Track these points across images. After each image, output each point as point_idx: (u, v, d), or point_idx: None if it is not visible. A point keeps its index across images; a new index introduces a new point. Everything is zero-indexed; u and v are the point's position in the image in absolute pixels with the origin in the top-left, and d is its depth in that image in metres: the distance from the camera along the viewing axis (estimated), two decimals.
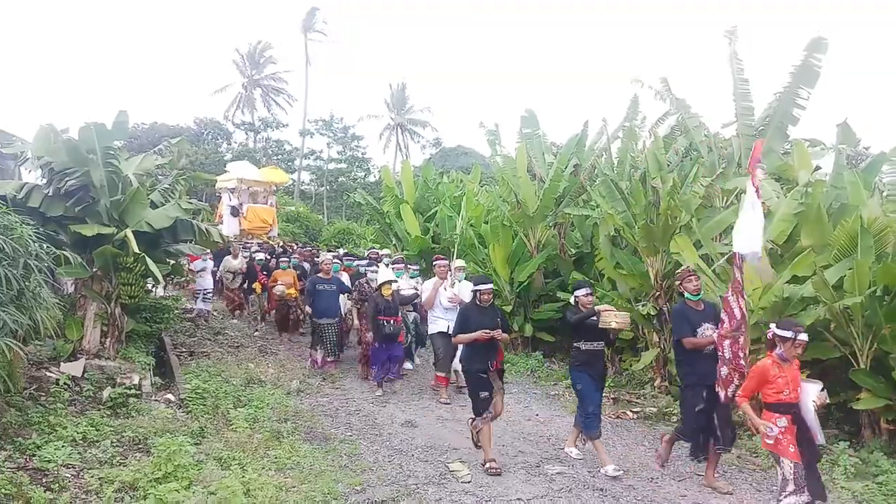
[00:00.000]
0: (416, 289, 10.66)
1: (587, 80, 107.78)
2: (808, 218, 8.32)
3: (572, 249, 13.49)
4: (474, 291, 6.75)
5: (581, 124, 14.74)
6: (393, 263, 11.48)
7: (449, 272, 9.58)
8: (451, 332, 8.08)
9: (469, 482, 6.04)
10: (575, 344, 6.74)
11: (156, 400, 7.81)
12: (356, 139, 49.29)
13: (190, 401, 7.62)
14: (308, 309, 11.00)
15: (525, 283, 12.86)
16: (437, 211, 16.59)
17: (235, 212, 21.33)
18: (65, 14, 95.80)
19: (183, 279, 14.26)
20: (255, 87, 52.43)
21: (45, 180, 8.59)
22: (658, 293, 10.03)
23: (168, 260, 10.04)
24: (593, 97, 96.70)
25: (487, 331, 6.37)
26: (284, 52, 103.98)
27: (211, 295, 14.96)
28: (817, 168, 10.18)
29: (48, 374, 7.41)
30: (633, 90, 12.78)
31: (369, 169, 48.32)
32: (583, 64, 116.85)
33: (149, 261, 8.18)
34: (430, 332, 9.58)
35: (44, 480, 5.10)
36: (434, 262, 9.93)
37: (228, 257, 15.48)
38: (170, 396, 8.07)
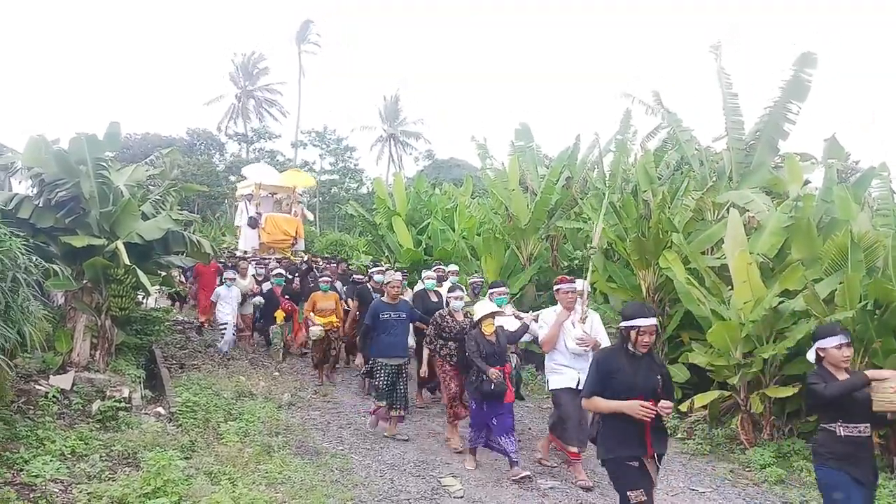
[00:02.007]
0: (519, 319, 7.61)
1: (582, 83, 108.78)
2: (798, 232, 8.36)
3: (565, 262, 13.52)
4: (626, 329, 4.25)
5: (573, 134, 14.87)
6: (491, 287, 8.49)
7: (580, 299, 6.57)
8: (581, 388, 5.22)
9: (461, 497, 6.00)
10: (823, 425, 4.32)
11: (146, 413, 7.75)
12: (349, 150, 49.39)
13: (180, 414, 7.56)
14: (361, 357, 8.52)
15: (517, 295, 12.87)
16: (429, 223, 16.61)
17: (254, 222, 18.79)
18: (57, 24, 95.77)
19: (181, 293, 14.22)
20: (249, 97, 52.54)
21: (35, 191, 8.54)
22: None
23: (159, 272, 9.99)
24: (589, 99, 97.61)
25: (645, 404, 4.02)
26: (278, 63, 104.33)
27: (232, 330, 11.99)
28: (807, 182, 10.26)
29: (37, 387, 7.34)
30: (624, 104, 12.84)
31: (362, 180, 48.39)
32: (578, 66, 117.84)
33: (140, 272, 8.15)
34: (551, 387, 6.69)
35: (31, 496, 5.04)
36: (556, 286, 6.84)
37: (228, 273, 13.17)
38: (160, 410, 8.01)
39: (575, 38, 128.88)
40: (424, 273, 10.21)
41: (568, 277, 7.02)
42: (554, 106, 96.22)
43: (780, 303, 7.87)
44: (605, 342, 6.34)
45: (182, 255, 10.04)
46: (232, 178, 40.10)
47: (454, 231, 15.81)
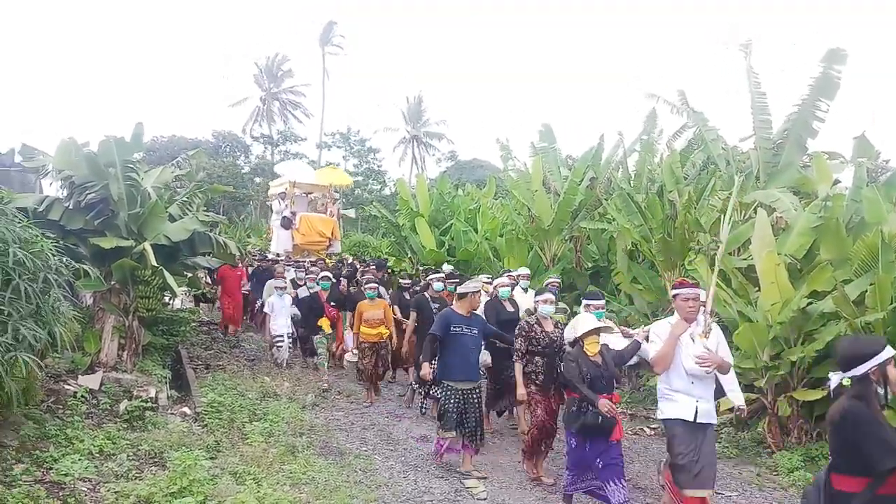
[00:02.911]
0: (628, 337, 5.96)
1: (603, 82, 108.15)
2: (827, 232, 8.22)
3: (588, 263, 13.45)
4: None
5: (595, 134, 14.85)
6: (587, 299, 7.19)
7: (701, 309, 5.24)
8: (699, 419, 5.05)
9: (484, 500, 5.99)
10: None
11: (172, 413, 7.83)
12: (372, 152, 49.58)
13: (206, 414, 7.63)
14: (428, 367, 6.89)
15: None
16: (452, 224, 16.61)
17: (287, 223, 17.41)
18: (86, 29, 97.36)
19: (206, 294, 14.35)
20: (274, 100, 52.96)
21: (65, 193, 8.69)
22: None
23: (185, 273, 10.10)
24: (610, 99, 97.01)
25: None
26: (302, 64, 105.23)
27: (288, 343, 11.06)
28: (837, 181, 10.07)
29: (66, 386, 7.45)
30: (650, 104, 12.74)
31: (385, 182, 48.54)
32: (599, 66, 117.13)
33: (166, 274, 8.24)
34: (662, 417, 5.36)
35: (60, 494, 5.12)
36: (673, 291, 5.40)
37: (272, 282, 12.15)
38: (186, 410, 8.09)
39: (596, 37, 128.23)
40: (497, 280, 8.64)
41: (689, 281, 5.55)
42: (576, 105, 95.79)
43: (809, 304, 7.74)
44: (731, 361, 5.33)
45: (208, 255, 10.14)
46: (257, 179, 40.51)
47: (477, 232, 15.79)
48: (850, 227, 8.54)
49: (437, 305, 8.82)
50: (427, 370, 6.82)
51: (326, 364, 10.63)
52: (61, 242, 6.82)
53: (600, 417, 5.23)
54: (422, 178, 19.82)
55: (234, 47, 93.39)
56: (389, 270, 15.84)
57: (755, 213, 8.85)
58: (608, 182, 12.64)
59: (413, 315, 9.16)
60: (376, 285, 9.98)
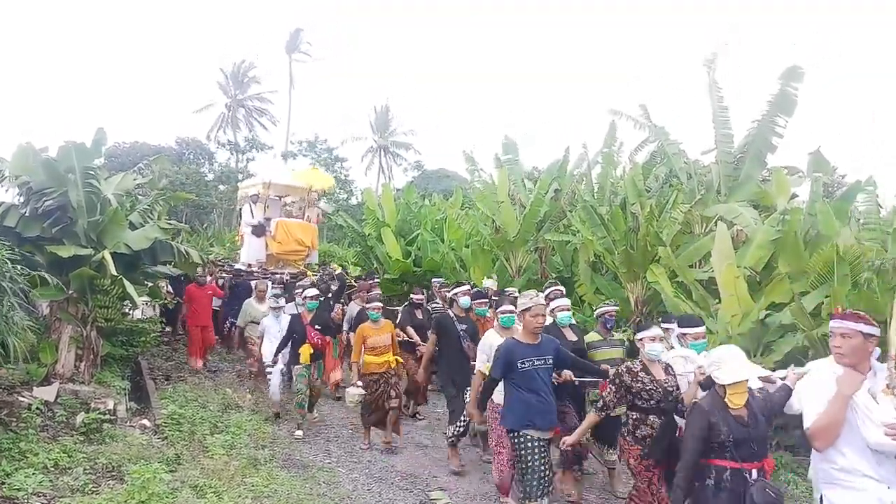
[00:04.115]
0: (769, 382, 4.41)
1: (581, 83, 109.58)
2: (785, 245, 8.43)
3: (553, 274, 13.56)
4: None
5: (572, 137, 15.02)
6: (683, 325, 5.61)
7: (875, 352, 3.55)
8: None
9: None
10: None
11: (131, 426, 7.67)
12: (339, 161, 49.35)
13: (166, 427, 7.49)
14: (479, 416, 5.77)
15: None
16: (418, 234, 16.61)
17: (260, 230, 15.10)
18: (45, 32, 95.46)
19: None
20: (239, 107, 52.47)
21: (22, 200, 8.49)
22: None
23: (146, 282, 9.92)
24: (588, 100, 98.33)
25: None
26: (268, 70, 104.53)
27: (281, 377, 9.05)
28: (795, 196, 10.36)
29: (20, 398, 7.25)
30: (611, 118, 12.95)
31: (352, 191, 48.35)
32: (576, 66, 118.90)
33: (126, 283, 8.09)
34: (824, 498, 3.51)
35: None
36: (834, 323, 3.56)
37: (252, 301, 10.57)
38: (145, 422, 7.93)
39: (573, 37, 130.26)
40: (557, 302, 6.73)
41: (855, 312, 3.55)
42: (551, 106, 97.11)
43: (768, 316, 7.92)
44: None
45: (170, 265, 9.98)
46: (221, 187, 39.97)
47: (443, 242, 15.82)
48: (808, 241, 8.77)
49: (464, 327, 7.40)
50: (478, 417, 5.69)
51: (306, 404, 8.44)
52: (17, 250, 6.68)
53: (771, 493, 3.79)
54: (388, 188, 19.77)
55: (201, 52, 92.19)
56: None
57: (716, 226, 9.03)
58: (572, 194, 12.79)
59: (432, 338, 7.63)
60: (381, 305, 8.21)
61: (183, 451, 6.79)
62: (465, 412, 6.80)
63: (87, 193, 8.39)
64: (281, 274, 13.96)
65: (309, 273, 14.37)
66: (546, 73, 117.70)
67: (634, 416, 4.75)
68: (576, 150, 14.64)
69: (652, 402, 4.66)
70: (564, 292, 7.15)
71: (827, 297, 7.40)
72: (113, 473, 6.08)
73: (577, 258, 12.10)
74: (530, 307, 5.00)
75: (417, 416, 9.30)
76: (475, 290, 8.37)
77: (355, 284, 12.20)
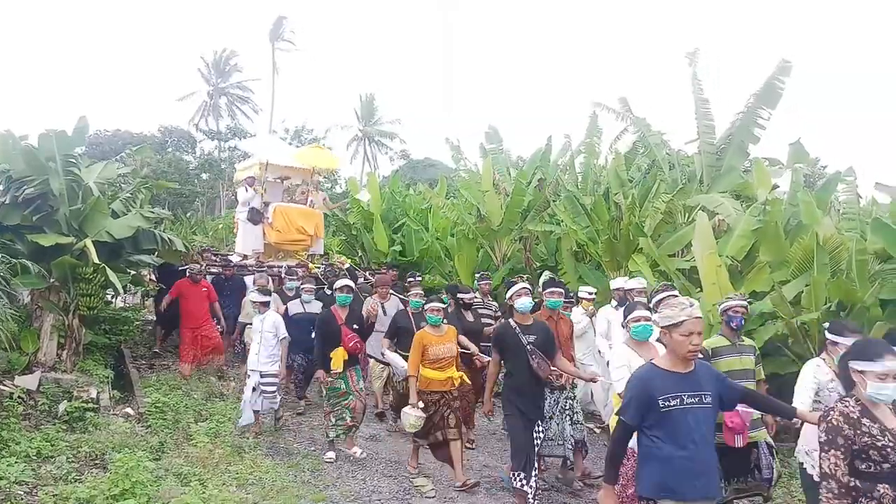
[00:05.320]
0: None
1: (565, 79, 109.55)
2: (766, 235, 8.53)
3: (537, 263, 13.63)
4: None
5: (550, 133, 15.07)
6: (842, 334, 4.51)
7: None
8: None
9: (433, 497, 6.03)
10: None
11: (114, 414, 7.64)
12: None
13: (149, 415, 7.47)
14: (614, 497, 3.59)
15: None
16: (403, 223, 16.61)
17: (257, 216, 13.61)
18: (24, 19, 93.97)
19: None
20: (221, 95, 52.02)
21: (1, 188, 8.40)
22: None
23: (129, 270, 9.86)
24: (572, 95, 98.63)
25: None
26: (252, 59, 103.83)
27: (276, 387, 7.76)
28: (776, 186, 10.48)
29: (1, 387, 7.22)
30: (593, 109, 13.04)
31: (336, 180, 48.15)
32: (561, 62, 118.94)
33: (109, 271, 8.04)
34: None
35: None
36: None
37: (253, 296, 8.84)
38: (129, 410, 7.91)
39: (560, 25, 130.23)
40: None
41: None
42: (535, 102, 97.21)
43: (748, 304, 8.01)
44: None
45: (153, 253, 9.92)
46: (204, 175, 39.68)
47: (428, 231, 15.84)
48: (788, 230, 8.89)
49: (531, 338, 5.58)
50: (612, 500, 3.54)
51: (348, 432, 7.02)
52: None
53: None
54: (373, 177, 19.73)
55: (184, 39, 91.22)
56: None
57: (698, 215, 9.13)
58: (556, 184, 12.85)
59: (495, 357, 5.82)
60: (443, 307, 6.65)
61: (167, 440, 6.79)
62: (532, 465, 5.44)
63: (69, 182, 8.33)
64: (279, 266, 12.58)
65: (311, 266, 12.82)
66: (532, 62, 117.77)
67: (853, 484, 3.11)
68: (558, 141, 14.72)
69: (886, 464, 3.08)
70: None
71: (807, 285, 7.51)
72: (96, 462, 6.08)
73: (561, 247, 12.17)
74: (682, 321, 3.41)
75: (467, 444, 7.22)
76: (549, 278, 7.22)
77: (371, 279, 11.00)
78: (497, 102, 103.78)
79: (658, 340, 4.60)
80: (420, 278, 11.15)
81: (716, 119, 10.64)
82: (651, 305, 5.49)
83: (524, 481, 5.42)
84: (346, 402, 6.98)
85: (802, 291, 7.60)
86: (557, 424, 6.19)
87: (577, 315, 8.03)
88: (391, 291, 9.16)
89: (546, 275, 7.69)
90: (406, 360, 6.60)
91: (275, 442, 7.41)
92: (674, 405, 3.37)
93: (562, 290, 6.60)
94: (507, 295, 6.05)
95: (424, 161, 51.91)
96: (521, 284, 5.92)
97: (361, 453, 6.92)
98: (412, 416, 6.19)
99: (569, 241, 11.51)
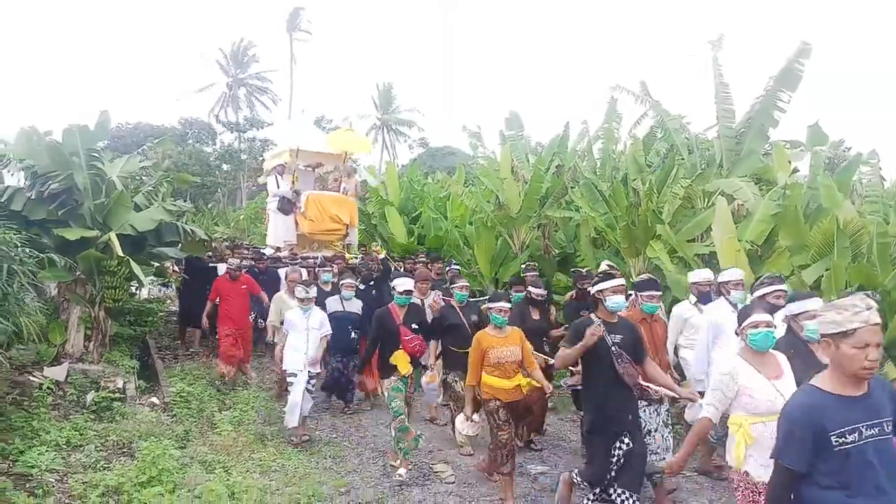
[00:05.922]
0: None
1: (583, 66, 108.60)
2: (785, 219, 8.46)
3: (556, 250, 13.61)
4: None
5: (563, 125, 14.97)
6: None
7: None
8: None
9: (453, 482, 6.10)
10: None
11: (140, 404, 7.80)
12: None
13: (174, 404, 7.63)
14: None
15: (506, 287, 12.93)
16: (422, 212, 16.65)
17: (288, 206, 12.98)
18: (47, 15, 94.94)
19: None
20: (240, 86, 52.26)
21: (27, 183, 8.54)
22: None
23: (152, 263, 10.02)
24: (590, 83, 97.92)
25: None
26: (270, 50, 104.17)
27: (310, 386, 7.28)
28: (796, 170, 10.37)
29: (31, 378, 7.38)
30: (612, 94, 12.95)
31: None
32: (578, 50, 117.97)
33: (133, 264, 8.17)
34: None
35: (27, 485, 5.12)
36: None
37: (283, 294, 8.82)
38: (154, 400, 8.07)
39: (578, 11, 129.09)
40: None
41: None
42: (554, 91, 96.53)
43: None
44: None
45: (176, 245, 10.06)
46: (225, 167, 39.94)
47: (446, 220, 15.86)
48: (808, 214, 8.80)
49: (618, 338, 4.70)
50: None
51: (409, 447, 6.17)
52: (24, 233, 6.75)
53: None
54: (392, 166, 19.81)
55: (203, 31, 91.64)
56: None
57: (717, 200, 9.07)
58: (574, 170, 12.80)
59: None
60: (508, 306, 5.74)
61: (192, 428, 6.94)
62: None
63: (92, 176, 8.46)
64: (314, 258, 12.03)
65: (348, 257, 12.26)
66: (552, 48, 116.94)
67: None
68: (576, 127, 14.65)
69: None
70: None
71: (827, 269, 7.44)
72: (124, 450, 6.22)
73: (580, 234, 12.15)
74: (854, 329, 2.56)
75: (533, 445, 7.08)
76: (648, 277, 6.03)
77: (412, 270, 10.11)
78: (514, 91, 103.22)
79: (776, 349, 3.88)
80: (458, 268, 10.63)
81: (735, 104, 10.57)
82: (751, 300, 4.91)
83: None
84: (400, 396, 6.25)
85: (822, 276, 7.53)
86: (663, 437, 5.39)
87: (686, 310, 6.62)
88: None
89: (643, 275, 6.56)
90: (445, 364, 6.55)
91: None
92: (851, 441, 2.56)
93: (660, 293, 5.89)
94: (597, 288, 4.87)
95: (444, 149, 51.81)
96: (617, 280, 4.85)
97: (406, 475, 6.06)
98: (466, 429, 5.86)
99: (587, 227, 11.49)
